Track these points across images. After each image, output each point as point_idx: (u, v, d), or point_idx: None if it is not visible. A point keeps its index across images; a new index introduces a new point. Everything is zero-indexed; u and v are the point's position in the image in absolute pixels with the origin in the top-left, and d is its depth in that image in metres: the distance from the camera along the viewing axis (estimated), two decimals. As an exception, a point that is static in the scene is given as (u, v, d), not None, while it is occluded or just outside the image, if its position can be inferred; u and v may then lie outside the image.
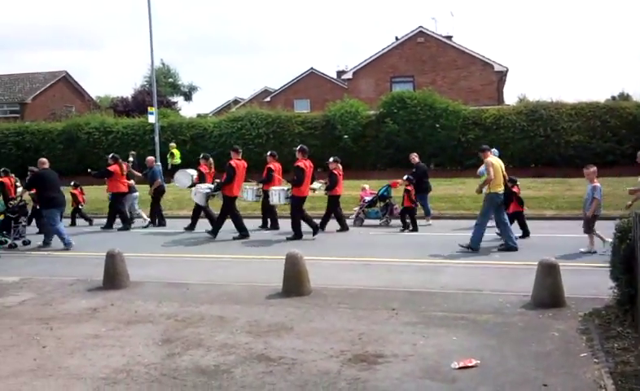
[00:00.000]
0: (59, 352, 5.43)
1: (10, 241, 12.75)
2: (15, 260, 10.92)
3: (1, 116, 45.95)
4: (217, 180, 13.51)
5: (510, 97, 74.10)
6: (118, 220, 14.94)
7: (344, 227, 13.32)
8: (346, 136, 25.85)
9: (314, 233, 12.49)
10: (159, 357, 5.27)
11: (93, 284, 8.11)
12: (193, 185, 13.87)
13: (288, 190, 12.62)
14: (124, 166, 15.24)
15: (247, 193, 13.30)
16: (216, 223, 12.82)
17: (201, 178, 13.95)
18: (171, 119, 29.95)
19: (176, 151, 26.23)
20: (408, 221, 13.18)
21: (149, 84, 52.61)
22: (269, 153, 13.77)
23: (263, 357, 5.16)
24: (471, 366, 4.74)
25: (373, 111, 26.56)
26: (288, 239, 12.13)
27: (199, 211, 13.99)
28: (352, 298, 7.05)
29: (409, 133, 25.06)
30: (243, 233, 12.57)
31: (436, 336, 5.55)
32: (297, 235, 12.18)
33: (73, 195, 16.60)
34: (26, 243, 13.06)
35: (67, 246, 11.98)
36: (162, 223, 15.17)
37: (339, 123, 26.04)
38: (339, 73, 45.03)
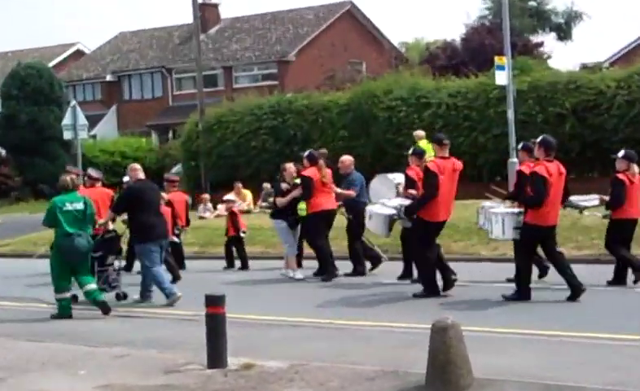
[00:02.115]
0: None
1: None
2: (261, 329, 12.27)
3: (251, 85, 51.25)
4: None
5: None
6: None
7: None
8: None
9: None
10: None
11: (407, 381, 8.62)
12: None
13: (519, 214, 13.63)
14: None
15: (496, 223, 14.13)
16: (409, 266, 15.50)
17: (409, 188, 15.17)
18: (536, 76, 30.64)
19: (429, 147, 25.45)
20: None
21: (493, 15, 54.39)
22: (520, 145, 15.20)
23: None
24: None
25: None
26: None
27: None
28: None
29: None
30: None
31: None
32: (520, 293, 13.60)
33: (232, 216, 19.39)
34: (120, 296, 15.25)
35: (169, 298, 14.50)
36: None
37: None
38: None
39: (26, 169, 42.64)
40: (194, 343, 10.24)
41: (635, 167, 14.61)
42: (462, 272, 16.66)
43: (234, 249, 19.90)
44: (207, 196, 30.57)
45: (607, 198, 14.90)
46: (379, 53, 55.29)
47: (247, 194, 29.68)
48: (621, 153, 14.83)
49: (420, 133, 25.29)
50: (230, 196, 21.71)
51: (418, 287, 14.66)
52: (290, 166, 18.41)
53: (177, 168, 40.83)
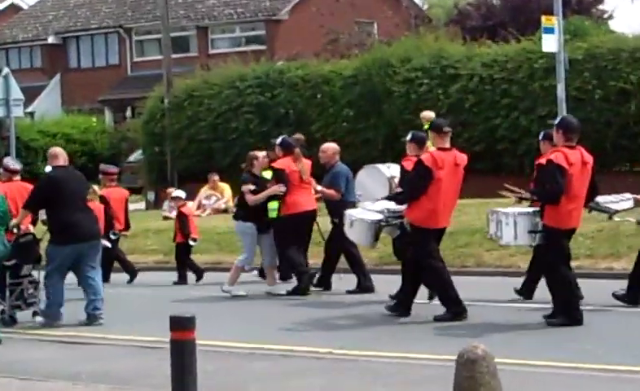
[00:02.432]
0: None
1: (4, 308, 15.02)
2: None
3: (232, 50, 51.40)
4: None
5: None
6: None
7: None
8: None
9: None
10: None
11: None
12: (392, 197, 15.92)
13: (535, 214, 13.76)
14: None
15: (506, 225, 14.18)
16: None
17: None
18: (593, 42, 30.90)
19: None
20: None
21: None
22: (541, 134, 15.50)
23: None
24: None
25: None
26: None
27: None
28: None
29: None
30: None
31: None
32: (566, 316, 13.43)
33: (181, 217, 20.05)
34: (38, 314, 15.46)
35: (46, 318, 14.97)
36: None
37: None
38: None
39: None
40: (155, 376, 10.28)
41: None
42: (496, 288, 16.68)
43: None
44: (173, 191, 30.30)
45: None
46: (394, 11, 55.26)
47: (225, 188, 29.54)
48: None
49: (429, 114, 25.09)
50: (179, 193, 22.15)
51: (439, 309, 14.58)
52: (263, 155, 18.60)
53: (137, 155, 40.78)
